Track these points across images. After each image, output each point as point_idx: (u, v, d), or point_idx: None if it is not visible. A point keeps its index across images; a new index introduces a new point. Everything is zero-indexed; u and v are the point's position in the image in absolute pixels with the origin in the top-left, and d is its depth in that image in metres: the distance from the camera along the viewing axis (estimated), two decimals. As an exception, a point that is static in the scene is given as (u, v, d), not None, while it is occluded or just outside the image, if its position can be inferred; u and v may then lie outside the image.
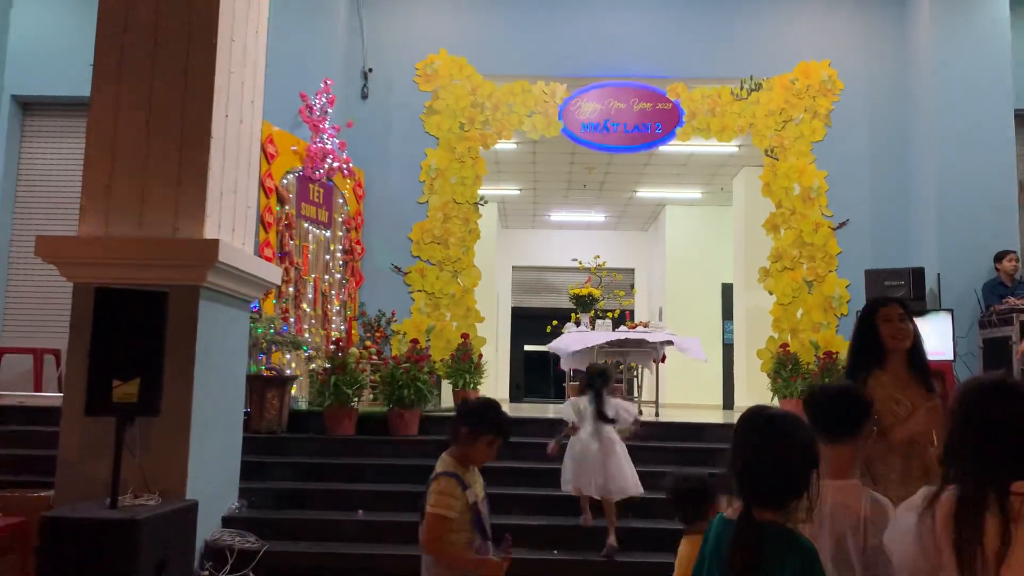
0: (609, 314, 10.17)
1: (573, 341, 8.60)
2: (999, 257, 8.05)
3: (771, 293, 9.30)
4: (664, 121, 9.50)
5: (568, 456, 5.47)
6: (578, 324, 9.27)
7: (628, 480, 5.34)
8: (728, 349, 12.86)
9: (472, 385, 8.47)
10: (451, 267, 9.22)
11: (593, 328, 9.04)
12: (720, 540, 2.05)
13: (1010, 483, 1.91)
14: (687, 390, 11.75)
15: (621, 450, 5.41)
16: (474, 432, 3.02)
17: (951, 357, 7.68)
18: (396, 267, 9.17)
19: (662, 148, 10.29)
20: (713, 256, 13.39)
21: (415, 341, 7.76)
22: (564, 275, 15.39)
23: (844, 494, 2.33)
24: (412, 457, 6.43)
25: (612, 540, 5.22)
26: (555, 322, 9.90)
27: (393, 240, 9.17)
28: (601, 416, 5.40)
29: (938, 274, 8.40)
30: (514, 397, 14.67)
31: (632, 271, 16.38)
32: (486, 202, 9.84)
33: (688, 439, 6.90)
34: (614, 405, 5.49)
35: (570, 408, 5.56)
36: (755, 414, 2.14)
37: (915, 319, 3.13)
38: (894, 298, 3.21)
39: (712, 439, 6.80)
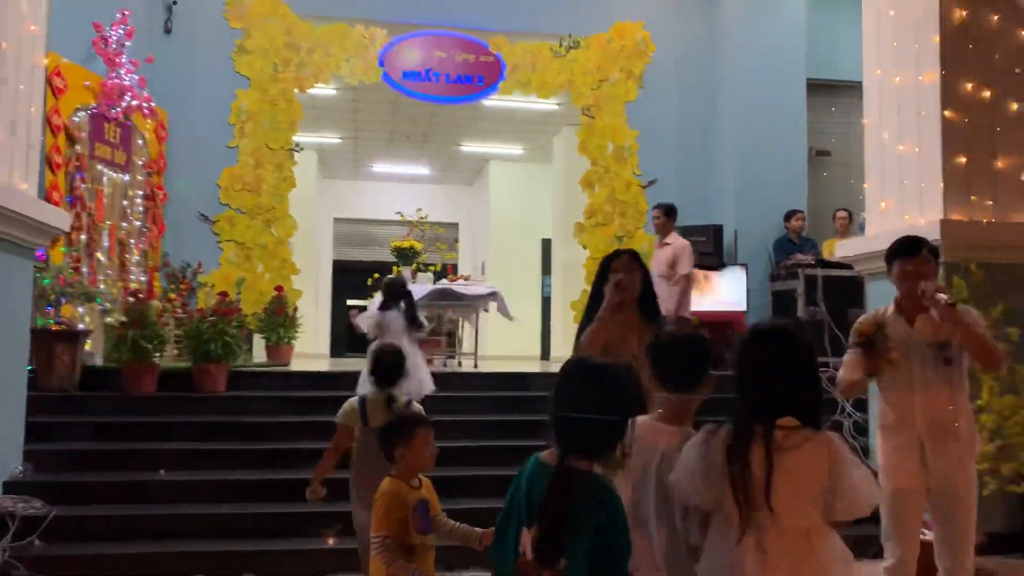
0: (431, 267, 10.18)
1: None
2: (788, 216, 8.72)
3: (585, 248, 9.62)
4: (486, 74, 9.50)
5: None
6: (398, 277, 9.20)
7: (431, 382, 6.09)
8: (547, 302, 13.23)
9: (287, 340, 8.24)
10: (264, 216, 8.82)
11: (414, 281, 9.01)
12: (532, 483, 2.08)
13: (776, 418, 2.11)
14: (506, 342, 11.98)
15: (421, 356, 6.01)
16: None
17: (744, 308, 8.30)
18: (203, 215, 8.66)
19: (486, 103, 10.30)
20: (534, 212, 13.64)
21: (224, 293, 7.41)
22: (388, 228, 15.17)
23: (674, 440, 2.36)
24: (219, 414, 6.18)
25: None
26: (377, 275, 9.76)
27: (200, 186, 8.62)
28: (415, 323, 5.89)
29: (735, 231, 8.99)
30: (335, 352, 14.40)
31: (456, 225, 16.42)
32: (301, 148, 9.46)
33: (512, 389, 7.04)
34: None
35: (370, 322, 5.87)
36: (578, 364, 2.19)
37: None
38: (629, 250, 3.53)
39: (536, 388, 6.95)
